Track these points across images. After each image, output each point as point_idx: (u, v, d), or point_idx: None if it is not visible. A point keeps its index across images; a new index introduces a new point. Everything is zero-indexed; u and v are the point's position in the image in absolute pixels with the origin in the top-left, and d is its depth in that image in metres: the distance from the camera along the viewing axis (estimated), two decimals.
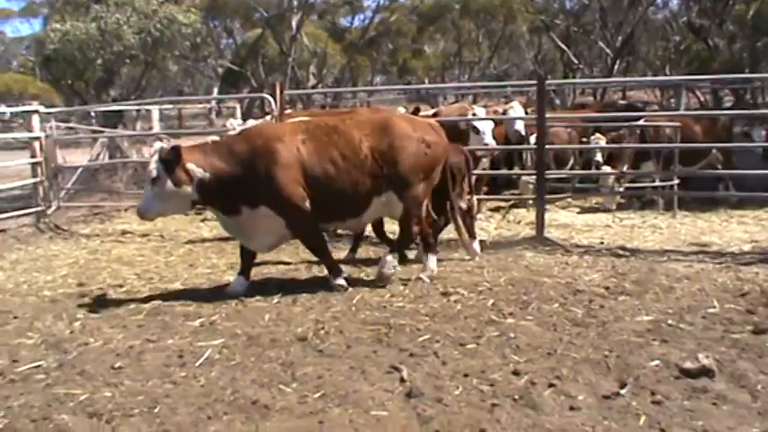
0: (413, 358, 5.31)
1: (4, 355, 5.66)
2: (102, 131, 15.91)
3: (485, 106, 13.62)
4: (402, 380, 4.90)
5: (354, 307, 6.64)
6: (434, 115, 12.71)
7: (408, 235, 7.58)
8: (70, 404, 4.68)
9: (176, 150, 6.92)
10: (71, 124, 16.75)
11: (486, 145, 10.71)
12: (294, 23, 28.12)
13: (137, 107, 16.16)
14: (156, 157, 6.99)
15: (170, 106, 19.31)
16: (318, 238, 7.54)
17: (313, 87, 30.48)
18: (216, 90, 32.45)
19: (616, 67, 33.70)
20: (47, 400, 4.75)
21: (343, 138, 7.15)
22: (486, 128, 10.68)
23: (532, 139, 11.08)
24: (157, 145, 7.18)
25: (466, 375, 4.96)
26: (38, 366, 5.39)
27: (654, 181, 12.13)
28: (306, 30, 31.42)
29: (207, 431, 4.28)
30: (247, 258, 7.47)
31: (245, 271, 7.45)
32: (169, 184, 6.93)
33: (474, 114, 10.90)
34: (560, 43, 36.25)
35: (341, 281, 7.29)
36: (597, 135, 12.12)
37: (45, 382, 5.10)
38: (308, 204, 7.06)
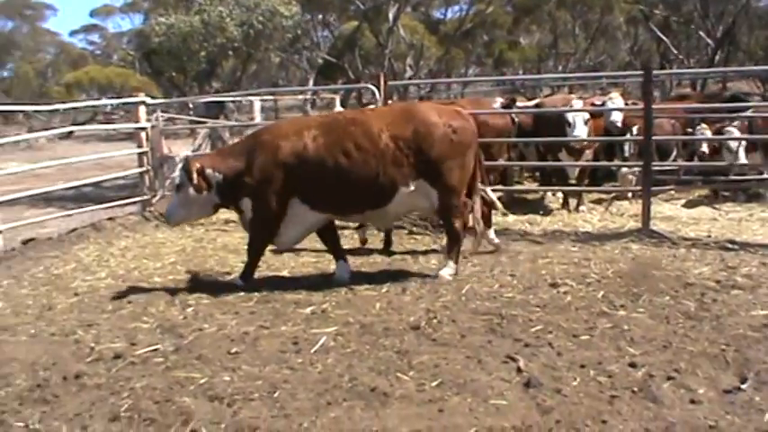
0: (528, 348, 5.30)
1: (122, 339, 5.85)
2: (204, 122, 16.29)
3: (581, 98, 13.31)
4: (519, 370, 4.90)
5: (464, 297, 6.62)
6: (536, 107, 12.59)
7: (452, 230, 7.41)
8: (191, 387, 4.80)
9: (195, 160, 7.40)
10: (171, 115, 17.23)
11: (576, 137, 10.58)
12: (391, 15, 28.16)
13: (238, 98, 16.44)
14: (180, 165, 7.49)
15: (270, 97, 19.60)
16: (265, 240, 7.54)
17: (409, 79, 30.47)
18: (311, 82, 32.78)
19: (717, 57, 32.49)
20: (168, 383, 4.88)
21: (360, 129, 7.12)
22: (578, 120, 10.49)
23: (634, 130, 10.91)
24: (182, 154, 7.43)
25: (582, 366, 4.93)
26: (155, 350, 5.55)
27: (761, 173, 11.63)
28: (402, 22, 31.43)
29: (327, 417, 4.31)
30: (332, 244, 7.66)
31: (339, 256, 7.61)
32: (191, 190, 7.35)
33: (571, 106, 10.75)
34: (660, 33, 35.21)
35: (241, 282, 7.37)
36: (702, 126, 11.71)
37: (164, 365, 5.24)
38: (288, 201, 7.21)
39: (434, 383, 4.71)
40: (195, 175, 7.28)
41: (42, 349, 5.70)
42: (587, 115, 10.66)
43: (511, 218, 10.25)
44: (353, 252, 8.55)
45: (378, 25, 29.57)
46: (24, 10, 55.95)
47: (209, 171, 7.36)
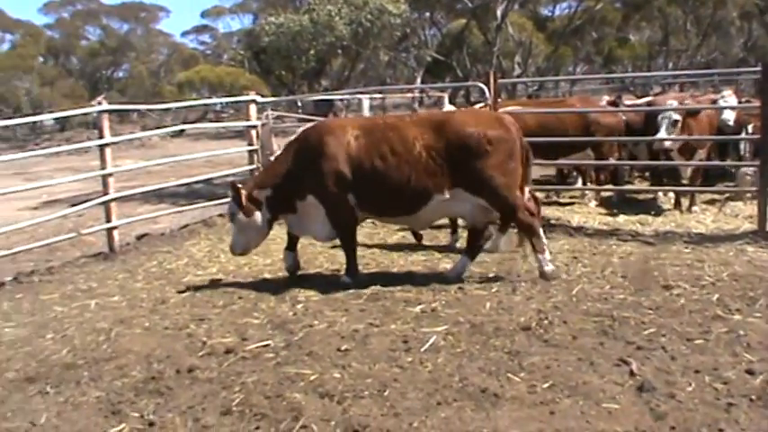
0: (640, 351, 5.18)
1: (233, 334, 5.96)
2: (313, 120, 16.46)
3: (692, 96, 12.79)
4: (632, 373, 4.79)
5: (575, 297, 6.51)
6: (648, 105, 12.17)
7: (524, 227, 7.37)
8: (301, 383, 4.84)
9: (240, 187, 7.64)
10: (280, 113, 17.50)
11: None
12: (499, 12, 27.90)
13: (347, 96, 16.55)
14: (231, 194, 7.72)
15: (378, 95, 19.70)
16: (350, 233, 7.64)
17: (517, 77, 30.15)
18: (419, 80, 32.79)
19: None
20: (278, 379, 4.94)
21: (396, 135, 7.20)
22: (663, 123, 10.12)
23: (749, 129, 10.50)
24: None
25: (697, 372, 4.79)
26: (266, 345, 5.62)
27: None
28: (510, 19, 31.12)
29: (437, 417, 4.28)
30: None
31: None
32: (241, 216, 7.62)
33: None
34: None
35: (348, 279, 7.44)
36: None
37: (275, 360, 5.31)
38: (348, 197, 7.33)
39: (546, 385, 4.65)
40: (244, 200, 7.56)
41: (156, 342, 5.88)
42: (677, 116, 10.17)
43: (621, 218, 10.08)
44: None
45: (486, 23, 29.36)
46: (139, 12, 58.13)
47: (256, 192, 7.66)
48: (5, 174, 22.73)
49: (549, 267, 7.18)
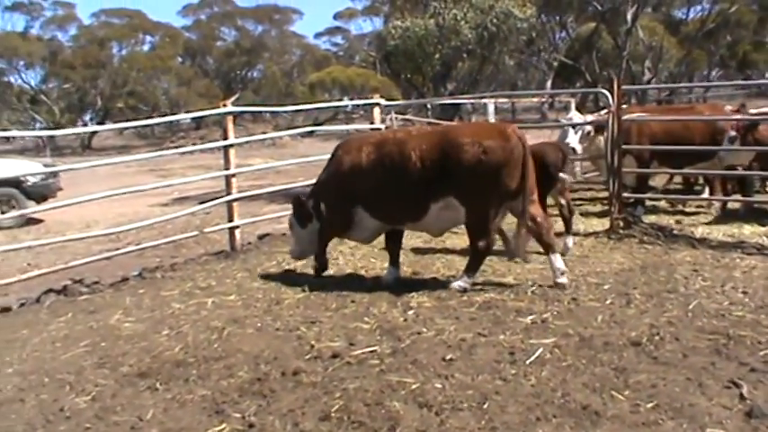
0: (754, 374, 4.93)
1: (342, 338, 6.03)
2: (438, 124, 16.50)
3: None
4: (742, 397, 4.56)
5: (691, 313, 6.28)
6: None
7: (474, 247, 7.54)
8: (402, 392, 4.84)
9: (301, 199, 8.49)
10: (408, 116, 17.62)
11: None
12: (629, 16, 27.17)
13: (472, 100, 16.50)
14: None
15: (505, 100, 19.55)
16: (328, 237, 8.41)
17: (648, 82, 29.24)
18: (549, 84, 32.33)
19: None
20: (380, 386, 4.95)
21: (398, 148, 7.62)
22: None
23: None
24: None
25: None
26: (372, 351, 5.65)
27: None
28: (641, 23, 30.24)
29: None
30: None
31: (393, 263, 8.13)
32: (297, 228, 8.50)
33: None
34: None
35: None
36: None
37: (379, 367, 5.32)
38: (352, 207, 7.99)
39: (650, 405, 4.49)
40: (298, 210, 8.46)
41: (266, 343, 6.01)
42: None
43: (747, 230, 9.62)
44: (575, 260, 8.30)
45: (615, 27, 28.65)
46: (273, 14, 59.79)
47: (309, 202, 8.45)
48: (141, 170, 23.89)
49: (459, 286, 7.38)
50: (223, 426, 4.54)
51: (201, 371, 5.48)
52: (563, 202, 9.00)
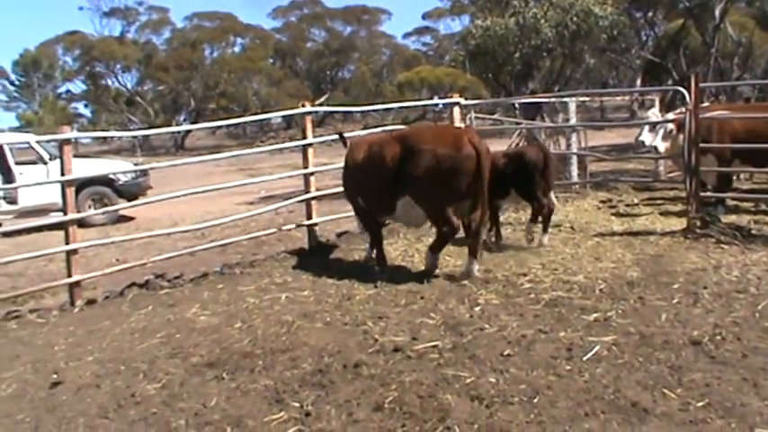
0: None
1: (406, 333, 6.16)
2: (520, 123, 16.49)
3: None
4: None
5: (758, 314, 6.17)
6: None
7: (437, 231, 8.29)
8: (456, 385, 4.95)
9: None
10: (496, 116, 17.64)
11: None
12: (717, 12, 26.43)
13: (553, 99, 16.43)
14: None
15: (587, 99, 19.35)
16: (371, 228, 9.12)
17: (737, 79, 28.38)
18: (638, 82, 31.71)
19: None
20: (436, 379, 5.08)
21: (380, 148, 8.46)
22: None
23: None
24: None
25: None
26: (434, 346, 5.77)
27: None
28: (730, 18, 29.31)
29: (582, 428, 4.27)
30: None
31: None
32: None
33: None
34: None
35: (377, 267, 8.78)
36: None
37: (437, 361, 5.45)
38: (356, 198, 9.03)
39: (700, 404, 4.49)
40: None
41: (332, 337, 6.20)
42: None
43: None
44: (648, 260, 8.23)
45: (703, 23, 27.89)
46: (362, 15, 60.44)
47: None
48: (230, 170, 24.56)
49: (429, 265, 8.28)
50: (282, 414, 4.74)
51: (267, 362, 5.71)
52: (544, 201, 9.29)
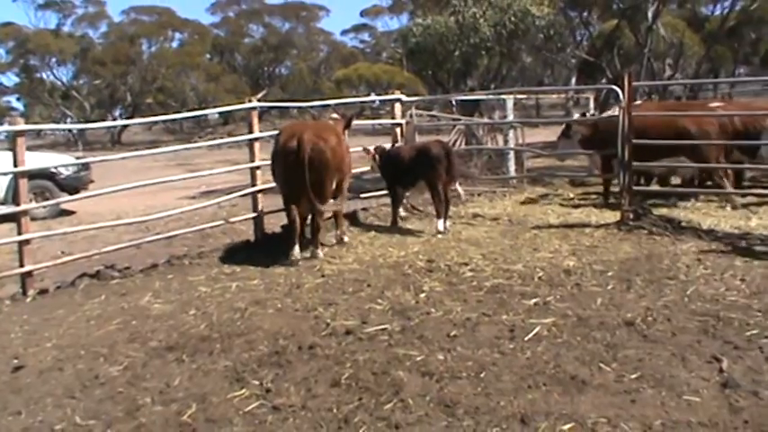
0: (736, 351, 5.31)
1: (356, 317, 6.46)
2: (459, 119, 16.87)
3: None
4: (721, 370, 4.94)
5: (687, 298, 6.63)
6: None
7: None
8: (407, 363, 5.28)
9: None
10: (433, 112, 17.97)
11: None
12: (650, 14, 27.32)
13: (491, 96, 16.87)
14: None
15: (524, 96, 19.88)
16: None
17: (668, 79, 29.39)
18: (573, 81, 32.60)
19: None
20: (387, 358, 5.40)
21: None
22: None
23: None
24: None
25: None
26: (384, 329, 6.08)
27: None
28: (663, 20, 30.29)
29: (524, 398, 4.62)
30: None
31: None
32: None
33: None
34: None
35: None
36: None
37: (388, 342, 5.77)
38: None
39: (634, 376, 4.89)
40: None
41: (285, 322, 6.46)
42: None
43: (754, 222, 9.92)
44: (583, 250, 8.68)
45: (637, 24, 28.79)
46: (300, 12, 60.46)
47: None
48: (169, 165, 24.47)
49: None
50: (243, 391, 4.99)
51: (224, 345, 5.94)
52: (442, 192, 10.26)
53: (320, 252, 9.10)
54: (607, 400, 4.53)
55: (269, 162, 9.78)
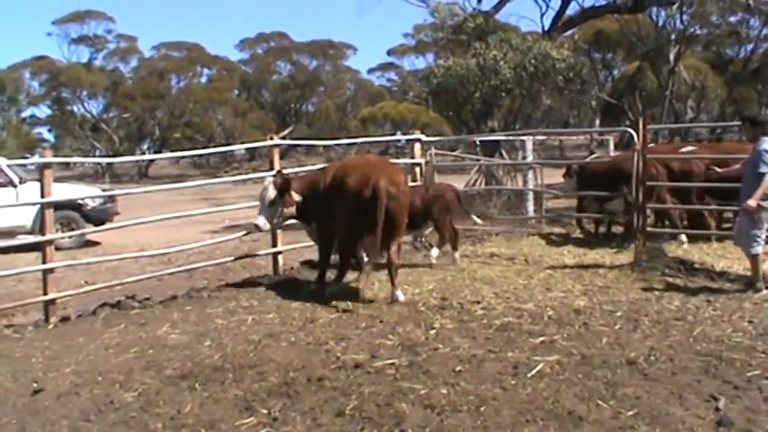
0: (735, 391, 5.45)
1: (366, 352, 6.65)
2: (478, 159, 17.11)
3: None
4: (717, 409, 5.06)
5: (692, 339, 6.77)
6: None
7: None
8: (411, 396, 5.45)
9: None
10: (458, 152, 18.22)
11: None
12: (672, 56, 27.53)
13: (511, 138, 17.11)
14: None
15: (543, 137, 20.13)
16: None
17: (691, 121, 29.54)
18: (597, 122, 32.79)
19: None
20: (392, 391, 5.58)
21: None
22: None
23: None
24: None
25: None
26: (392, 363, 6.26)
27: None
28: (685, 62, 30.49)
29: None
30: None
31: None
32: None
33: None
34: None
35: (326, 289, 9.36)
36: None
37: (394, 376, 5.95)
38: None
39: (630, 413, 5.03)
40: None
41: (297, 355, 6.66)
42: None
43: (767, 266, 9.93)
44: (595, 290, 8.81)
45: (659, 66, 28.99)
46: (328, 49, 61.24)
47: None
48: (194, 199, 24.85)
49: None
50: (251, 419, 5.19)
51: (236, 375, 6.14)
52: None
53: (400, 294, 8.81)
54: None
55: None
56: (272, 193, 9.55)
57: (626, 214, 11.99)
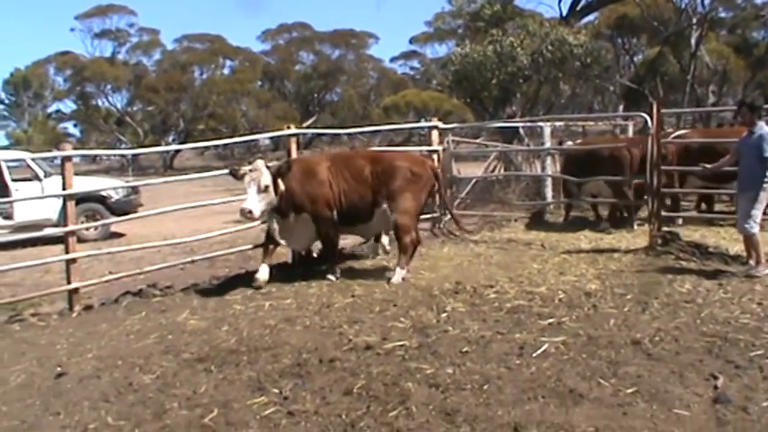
0: (736, 369, 5.56)
1: (377, 334, 6.83)
2: (495, 146, 17.20)
3: None
4: (715, 387, 5.18)
5: (699, 320, 6.87)
6: None
7: (402, 244, 9.50)
8: (417, 376, 5.64)
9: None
10: (481, 140, 18.29)
11: None
12: (693, 40, 27.29)
13: (529, 124, 17.18)
14: None
15: (560, 123, 20.17)
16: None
17: (713, 105, 29.32)
18: (621, 108, 32.64)
19: None
20: (400, 371, 5.76)
21: (353, 164, 9.73)
22: None
23: None
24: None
25: None
26: (402, 345, 6.44)
27: None
28: (708, 46, 30.19)
29: (522, 409, 4.94)
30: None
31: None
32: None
33: None
34: None
35: (333, 276, 9.55)
36: None
37: (402, 357, 6.14)
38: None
39: (629, 390, 5.17)
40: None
41: (311, 337, 6.86)
42: None
43: None
44: (609, 274, 8.92)
45: (680, 50, 28.79)
46: (350, 39, 61.30)
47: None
48: (217, 190, 25.09)
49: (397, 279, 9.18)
50: (263, 398, 5.40)
51: (251, 357, 6.37)
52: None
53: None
54: (600, 413, 4.82)
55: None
56: (266, 178, 9.06)
57: (618, 197, 12.48)
